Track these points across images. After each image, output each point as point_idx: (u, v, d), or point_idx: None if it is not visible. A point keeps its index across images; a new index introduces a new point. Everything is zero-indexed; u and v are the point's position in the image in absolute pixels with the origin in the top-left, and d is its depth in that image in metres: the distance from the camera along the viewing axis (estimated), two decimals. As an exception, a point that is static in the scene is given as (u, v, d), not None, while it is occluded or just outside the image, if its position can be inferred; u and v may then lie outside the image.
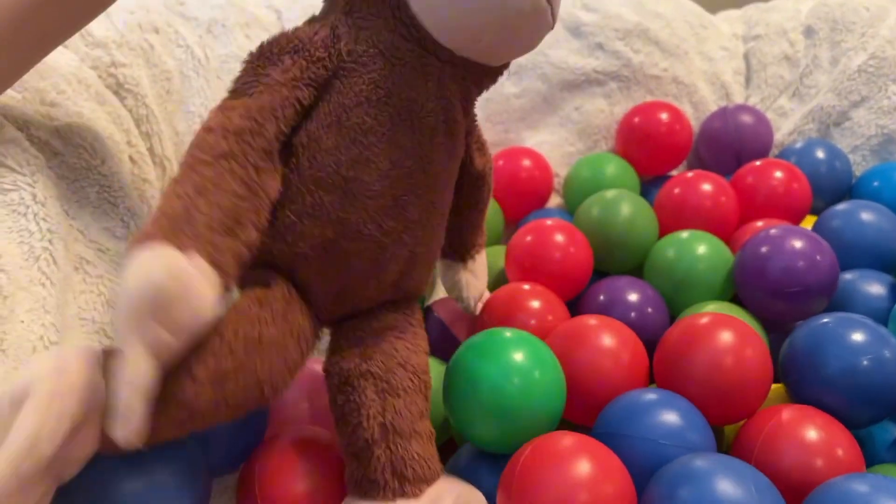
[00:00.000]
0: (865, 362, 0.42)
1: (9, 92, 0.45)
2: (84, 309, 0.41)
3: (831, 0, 0.76)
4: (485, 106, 0.75)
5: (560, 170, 0.73)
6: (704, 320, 0.45)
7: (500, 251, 0.64)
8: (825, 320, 0.45)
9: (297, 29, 0.36)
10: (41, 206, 0.41)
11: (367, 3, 0.35)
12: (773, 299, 0.51)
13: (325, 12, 0.38)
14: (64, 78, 0.49)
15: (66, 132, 0.47)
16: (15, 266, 0.38)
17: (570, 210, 0.70)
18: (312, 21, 0.38)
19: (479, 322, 0.54)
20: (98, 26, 0.57)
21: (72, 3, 0.39)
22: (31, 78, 0.47)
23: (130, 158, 0.53)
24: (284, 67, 0.34)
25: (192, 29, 0.63)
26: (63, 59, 0.51)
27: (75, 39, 0.55)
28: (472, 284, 0.51)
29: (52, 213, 0.41)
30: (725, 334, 0.43)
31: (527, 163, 0.69)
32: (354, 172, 0.35)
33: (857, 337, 0.43)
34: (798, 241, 0.51)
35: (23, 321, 0.36)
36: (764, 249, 0.52)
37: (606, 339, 0.46)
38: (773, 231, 0.53)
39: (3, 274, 0.37)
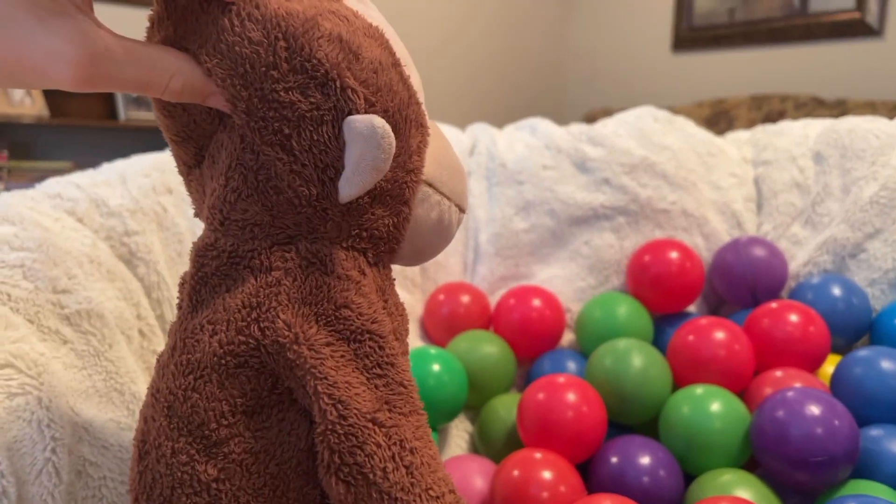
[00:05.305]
0: (893, 557, 0.40)
1: (21, 283, 0.46)
2: (85, 517, 0.41)
3: (840, 126, 0.76)
4: (495, 241, 0.75)
5: (572, 305, 0.73)
6: (720, 507, 0.43)
7: (512, 400, 0.63)
8: (849, 505, 0.43)
9: None
10: (46, 410, 0.41)
11: None
12: (795, 469, 0.49)
13: None
14: (76, 261, 0.50)
15: (75, 319, 0.48)
16: (18, 482, 0.38)
17: (582, 350, 0.69)
18: None
19: (491, 494, 0.53)
20: (113, 194, 0.59)
21: None
22: (43, 266, 0.48)
23: (140, 332, 0.54)
24: None
25: (205, 185, 0.65)
26: (76, 239, 0.52)
27: (91, 210, 0.57)
28: None
29: (56, 416, 0.41)
30: (743, 524, 0.42)
31: (537, 302, 0.69)
32: None
33: (883, 528, 0.41)
34: (815, 406, 0.50)
35: (22, 546, 0.36)
36: (780, 413, 0.51)
37: (619, 523, 0.45)
38: (789, 393, 0.51)
39: (5, 498, 0.37)
